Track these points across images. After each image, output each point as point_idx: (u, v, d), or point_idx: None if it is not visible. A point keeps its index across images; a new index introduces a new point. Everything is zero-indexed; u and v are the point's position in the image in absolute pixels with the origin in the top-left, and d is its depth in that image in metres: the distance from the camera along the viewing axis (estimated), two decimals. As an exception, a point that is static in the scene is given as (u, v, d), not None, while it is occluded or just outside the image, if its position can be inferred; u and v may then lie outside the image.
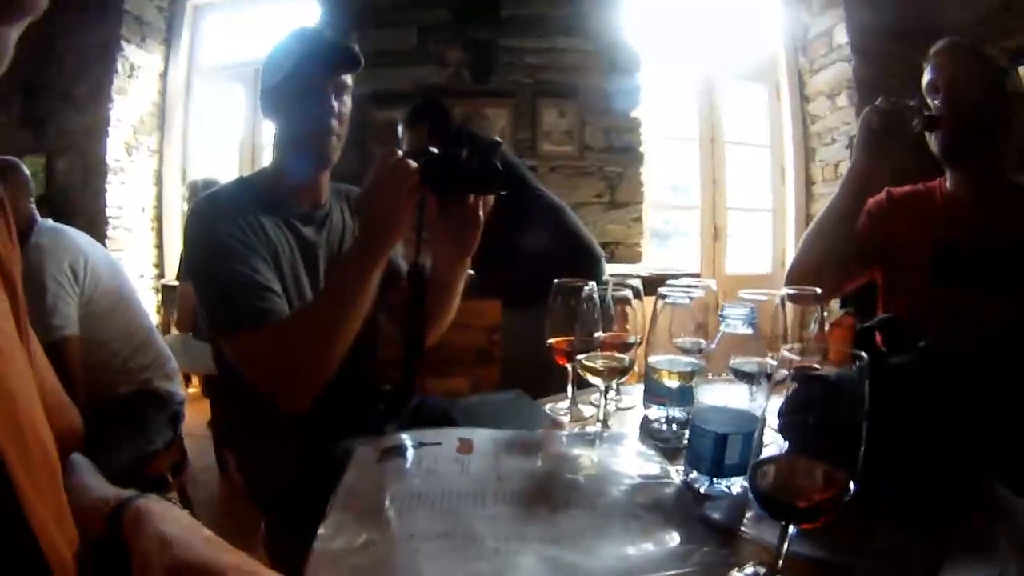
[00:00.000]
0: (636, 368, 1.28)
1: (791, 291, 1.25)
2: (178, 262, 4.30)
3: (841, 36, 4.51)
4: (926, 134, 1.67)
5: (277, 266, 1.44)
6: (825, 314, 1.29)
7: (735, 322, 0.97)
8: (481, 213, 1.41)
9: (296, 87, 1.45)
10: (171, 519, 0.65)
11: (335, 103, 1.47)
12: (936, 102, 1.65)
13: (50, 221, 2.40)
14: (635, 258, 4.63)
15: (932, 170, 1.76)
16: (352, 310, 1.32)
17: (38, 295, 2.10)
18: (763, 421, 0.75)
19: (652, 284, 3.47)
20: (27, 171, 2.44)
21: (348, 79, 1.51)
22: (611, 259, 4.47)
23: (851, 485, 0.62)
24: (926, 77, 1.68)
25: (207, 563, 0.60)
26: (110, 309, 2.34)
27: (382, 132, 4.13)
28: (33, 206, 2.42)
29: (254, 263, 1.37)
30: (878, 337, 1.04)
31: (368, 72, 1.48)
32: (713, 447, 0.93)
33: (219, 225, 1.39)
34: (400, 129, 2.76)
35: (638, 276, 3.61)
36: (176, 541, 0.61)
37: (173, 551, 0.60)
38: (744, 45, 5.30)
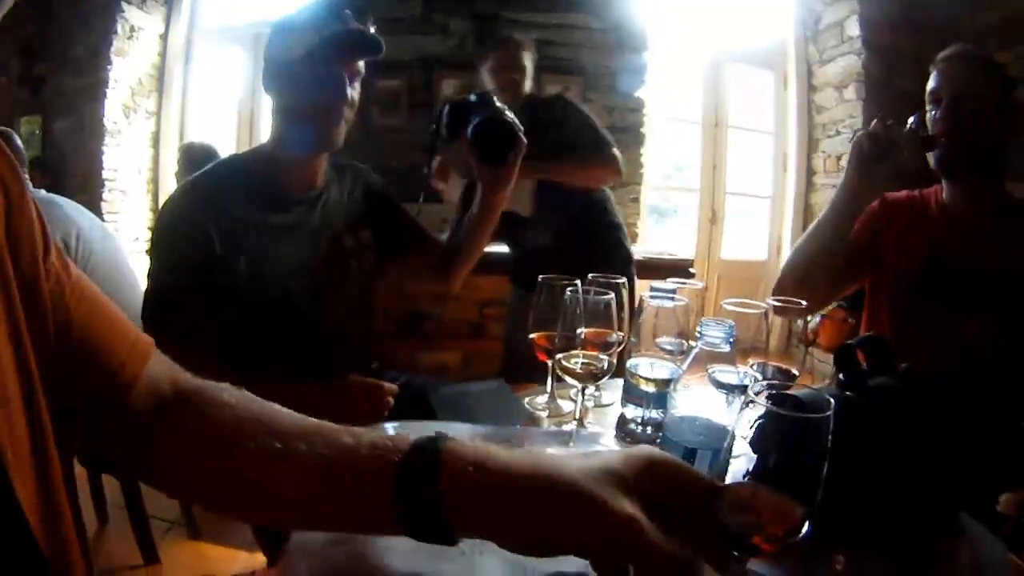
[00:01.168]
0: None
1: (777, 303, 1.24)
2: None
3: (852, 28, 4.46)
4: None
5: (244, 261, 1.43)
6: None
7: (713, 340, 0.97)
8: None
9: (313, 70, 1.41)
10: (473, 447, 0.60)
11: (349, 90, 1.46)
12: (935, 114, 1.59)
13: (42, 192, 2.39)
14: (631, 238, 4.60)
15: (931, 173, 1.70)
16: None
17: None
18: (732, 436, 0.75)
19: (646, 268, 3.49)
20: (19, 141, 2.42)
21: (361, 65, 1.49)
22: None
23: (806, 524, 0.62)
24: (930, 85, 1.63)
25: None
26: (102, 281, 2.31)
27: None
28: (26, 176, 2.40)
29: (192, 274, 1.39)
30: (860, 355, 1.03)
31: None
32: (682, 460, 0.93)
33: (182, 225, 1.41)
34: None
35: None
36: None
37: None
38: (754, 30, 5.25)
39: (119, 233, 4.17)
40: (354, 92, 1.48)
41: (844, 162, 4.33)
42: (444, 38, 4.45)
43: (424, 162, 1.63)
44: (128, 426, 0.68)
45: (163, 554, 2.37)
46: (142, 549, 2.32)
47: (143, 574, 2.32)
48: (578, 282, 1.24)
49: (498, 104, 1.45)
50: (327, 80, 1.43)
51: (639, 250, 3.94)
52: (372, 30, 1.49)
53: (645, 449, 0.60)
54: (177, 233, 1.41)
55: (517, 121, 1.46)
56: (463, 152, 1.48)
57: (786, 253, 4.90)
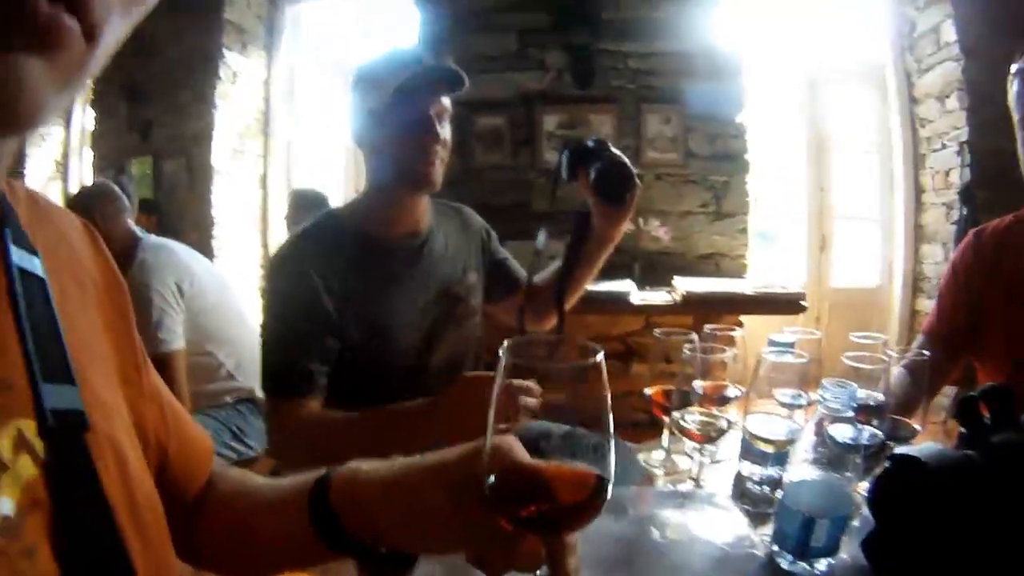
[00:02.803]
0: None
1: (897, 355, 1.18)
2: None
3: (948, 33, 4.13)
4: None
5: (354, 313, 1.46)
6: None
7: (836, 407, 0.93)
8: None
9: (398, 113, 1.45)
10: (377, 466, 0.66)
11: (439, 128, 1.48)
12: None
13: (154, 237, 2.51)
14: (739, 271, 4.40)
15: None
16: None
17: (144, 310, 2.20)
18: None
19: (759, 303, 3.36)
20: (117, 189, 2.54)
21: (448, 103, 1.52)
22: (716, 271, 4.34)
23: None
24: (1017, 107, 1.47)
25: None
26: (216, 323, 2.43)
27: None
28: (131, 222, 2.53)
29: (306, 329, 1.42)
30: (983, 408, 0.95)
31: (469, 78, 1.50)
32: (800, 529, 0.89)
33: (291, 280, 1.45)
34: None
35: (743, 293, 3.49)
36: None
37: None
38: (848, 43, 5.03)
39: (228, 272, 4.31)
40: (444, 130, 1.50)
41: (953, 178, 4.08)
42: (541, 73, 4.44)
43: (547, 199, 1.65)
44: (183, 521, 0.72)
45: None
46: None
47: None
48: (695, 336, 1.22)
49: (613, 149, 1.46)
50: (413, 120, 1.46)
51: (748, 283, 3.82)
52: (457, 68, 1.51)
53: (474, 444, 0.62)
54: (286, 288, 1.45)
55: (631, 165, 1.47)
56: (583, 191, 1.50)
57: (898, 279, 4.65)
